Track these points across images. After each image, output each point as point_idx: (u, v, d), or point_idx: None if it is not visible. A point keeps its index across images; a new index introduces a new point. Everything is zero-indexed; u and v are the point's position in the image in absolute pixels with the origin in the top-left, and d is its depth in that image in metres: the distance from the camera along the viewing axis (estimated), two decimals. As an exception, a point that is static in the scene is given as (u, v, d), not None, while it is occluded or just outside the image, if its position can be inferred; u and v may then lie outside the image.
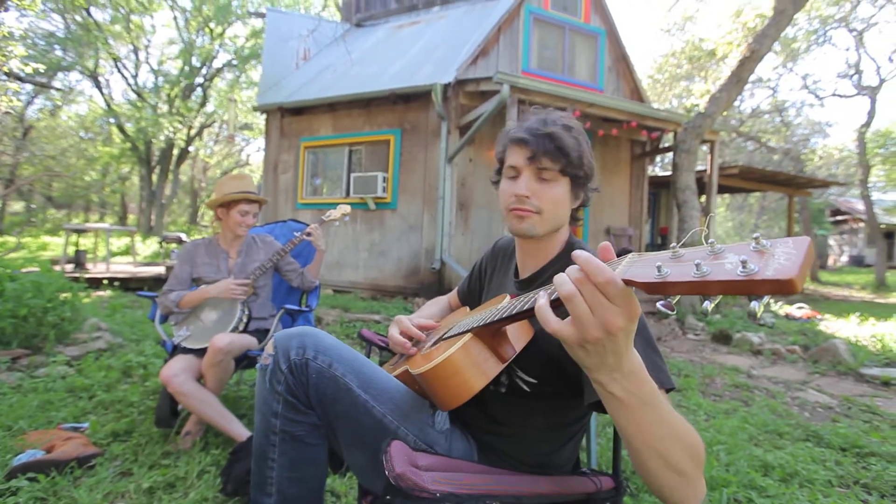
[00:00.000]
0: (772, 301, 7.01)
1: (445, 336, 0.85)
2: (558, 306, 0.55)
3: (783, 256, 0.39)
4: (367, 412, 0.80)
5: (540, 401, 0.87)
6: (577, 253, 0.50)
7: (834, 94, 15.49)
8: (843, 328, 4.93)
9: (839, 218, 21.91)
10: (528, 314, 0.64)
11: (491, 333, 0.74)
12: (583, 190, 0.92)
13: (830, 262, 22.08)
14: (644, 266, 0.48)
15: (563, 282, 0.51)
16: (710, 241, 0.45)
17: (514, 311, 0.66)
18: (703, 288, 0.41)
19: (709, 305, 0.42)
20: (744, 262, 0.39)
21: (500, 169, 0.95)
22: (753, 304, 0.39)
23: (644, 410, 0.57)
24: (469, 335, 0.73)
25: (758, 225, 22.17)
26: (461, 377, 0.71)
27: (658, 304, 0.46)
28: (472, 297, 1.15)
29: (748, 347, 4.05)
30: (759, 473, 1.71)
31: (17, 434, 1.78)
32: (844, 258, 22.87)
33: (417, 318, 1.01)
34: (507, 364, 0.75)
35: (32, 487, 1.41)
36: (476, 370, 0.72)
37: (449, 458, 0.80)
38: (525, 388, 0.86)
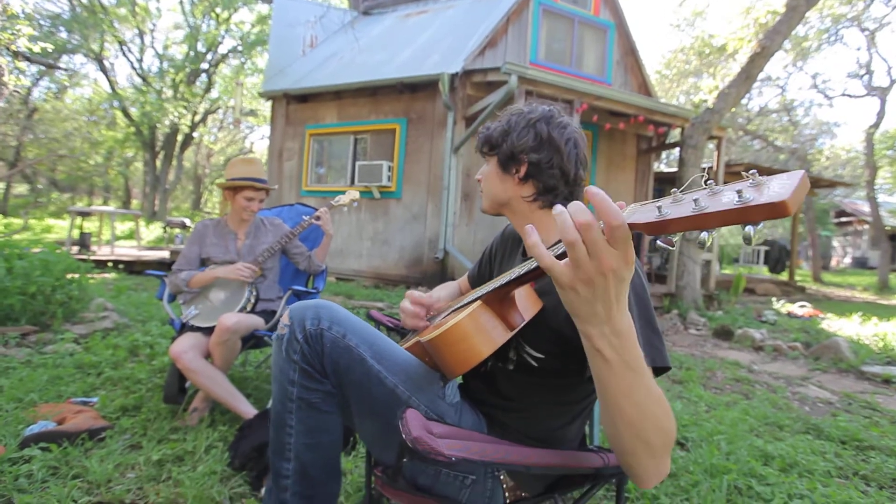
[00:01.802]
0: (774, 300, 7.01)
1: (455, 308, 0.87)
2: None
3: (778, 186, 0.41)
4: (380, 382, 0.82)
5: (547, 377, 0.88)
6: (592, 190, 0.50)
7: (843, 94, 15.33)
8: (846, 327, 4.93)
9: (844, 219, 21.81)
10: (535, 274, 0.65)
11: (499, 300, 0.76)
12: (512, 163, 0.95)
13: (833, 263, 22.02)
14: (646, 211, 0.50)
15: (565, 219, 0.51)
16: (708, 182, 0.46)
17: (521, 273, 0.68)
18: (702, 221, 0.43)
19: (706, 236, 0.44)
20: (739, 193, 0.41)
21: None
22: (748, 229, 0.41)
23: (627, 375, 0.59)
24: (478, 303, 0.75)
25: (763, 224, 22.03)
26: (469, 343, 0.72)
27: (657, 241, 0.48)
28: (482, 280, 1.16)
29: (749, 343, 4.06)
30: (760, 463, 1.73)
31: (28, 406, 1.81)
32: (847, 260, 22.80)
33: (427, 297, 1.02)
34: (515, 332, 0.76)
35: (45, 457, 1.44)
36: (484, 336, 0.73)
37: (460, 428, 0.82)
38: (533, 363, 0.87)
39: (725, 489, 1.51)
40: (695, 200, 0.44)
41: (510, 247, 1.08)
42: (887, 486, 1.66)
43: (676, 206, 0.47)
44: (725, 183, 0.46)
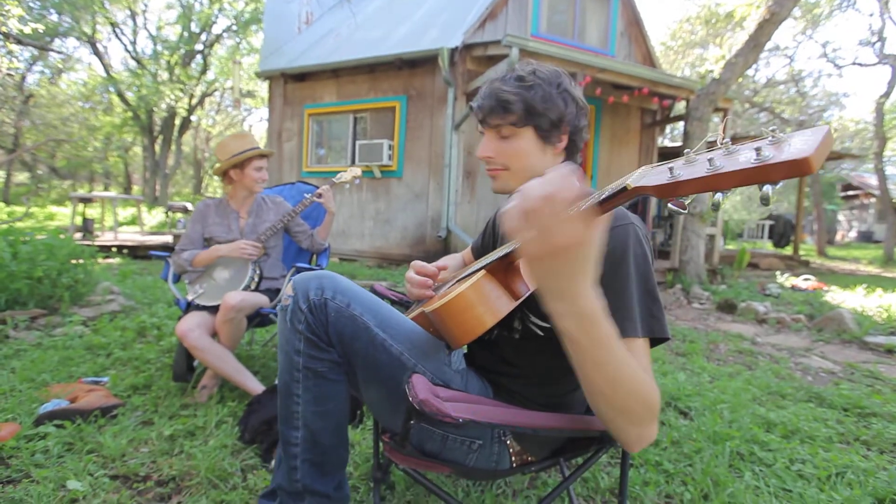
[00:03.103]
0: (778, 273, 7.00)
1: (459, 278, 0.86)
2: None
3: (800, 142, 0.39)
4: (385, 350, 0.82)
5: (553, 345, 0.88)
6: (550, 175, 0.53)
7: (854, 63, 14.89)
8: (850, 299, 4.93)
9: (850, 193, 21.56)
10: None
11: (504, 269, 0.75)
12: (556, 132, 0.89)
13: (838, 237, 21.88)
14: (656, 174, 0.49)
15: (527, 192, 0.53)
16: (724, 141, 0.45)
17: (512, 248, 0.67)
18: (717, 182, 0.41)
19: (721, 198, 0.43)
20: (758, 150, 0.39)
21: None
22: (766, 188, 0.39)
23: (596, 353, 0.61)
24: (482, 272, 0.74)
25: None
26: (473, 312, 0.72)
27: (669, 204, 0.47)
28: (486, 251, 1.15)
29: (753, 316, 4.07)
30: (762, 430, 1.75)
31: (40, 386, 1.84)
32: (853, 234, 22.65)
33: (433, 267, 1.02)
34: (519, 301, 0.75)
35: (60, 433, 1.47)
36: (488, 306, 0.73)
37: (467, 393, 0.83)
38: (538, 332, 0.87)
39: (728, 455, 1.54)
40: (709, 160, 0.43)
41: None
42: (888, 451, 1.69)
43: (689, 167, 0.45)
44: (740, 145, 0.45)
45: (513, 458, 0.88)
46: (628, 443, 0.69)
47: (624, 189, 0.51)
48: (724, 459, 1.51)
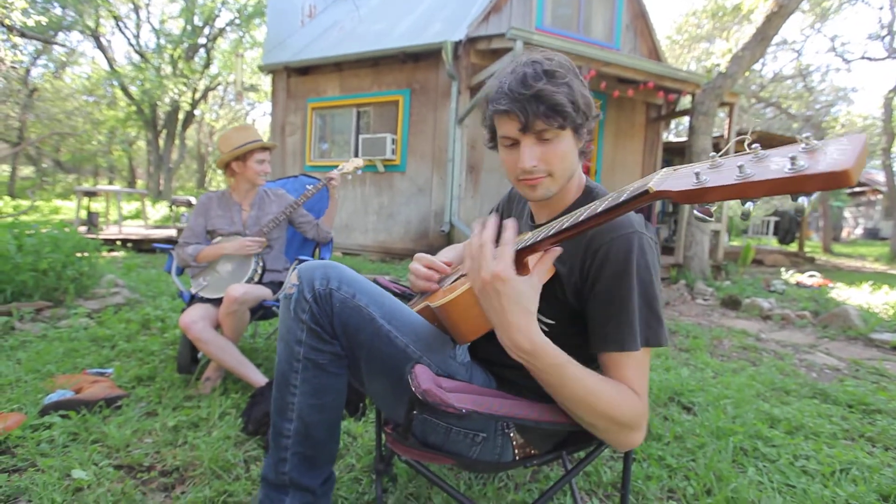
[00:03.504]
0: (783, 270, 6.95)
1: (464, 273, 0.85)
2: (523, 256, 0.68)
3: (836, 152, 0.37)
4: (390, 342, 0.82)
5: (557, 340, 0.87)
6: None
7: (863, 57, 14.70)
8: (855, 296, 4.89)
9: (856, 189, 21.33)
10: (548, 242, 0.64)
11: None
12: (586, 127, 0.84)
13: (844, 234, 21.71)
14: (679, 177, 0.47)
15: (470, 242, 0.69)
16: (753, 146, 0.43)
17: (536, 240, 0.66)
18: (747, 190, 0.40)
19: (751, 207, 0.41)
20: (793, 159, 0.38)
21: (493, 136, 0.87)
22: (802, 200, 0.38)
23: (550, 377, 0.70)
24: None
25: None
26: (480, 309, 0.71)
27: (695, 211, 0.45)
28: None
29: (757, 312, 4.05)
30: (766, 425, 1.74)
31: (46, 377, 1.86)
32: (859, 230, 22.46)
33: (438, 260, 1.01)
34: None
35: (65, 423, 1.48)
36: None
37: (471, 384, 0.82)
38: (543, 328, 0.86)
39: (731, 450, 1.53)
40: (739, 167, 0.40)
41: (517, 207, 1.06)
42: (893, 447, 1.67)
43: (716, 172, 0.43)
44: (740, 150, 0.43)
45: (516, 451, 0.88)
46: (612, 444, 0.78)
47: (645, 192, 0.50)
48: (728, 455, 1.50)
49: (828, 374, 2.56)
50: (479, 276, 0.66)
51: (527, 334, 0.66)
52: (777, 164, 0.39)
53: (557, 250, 0.68)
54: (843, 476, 1.43)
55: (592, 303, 0.79)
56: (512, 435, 0.87)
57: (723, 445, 1.55)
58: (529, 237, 0.70)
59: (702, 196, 0.43)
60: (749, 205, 0.41)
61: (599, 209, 0.57)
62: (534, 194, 0.84)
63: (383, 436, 1.00)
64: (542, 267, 0.67)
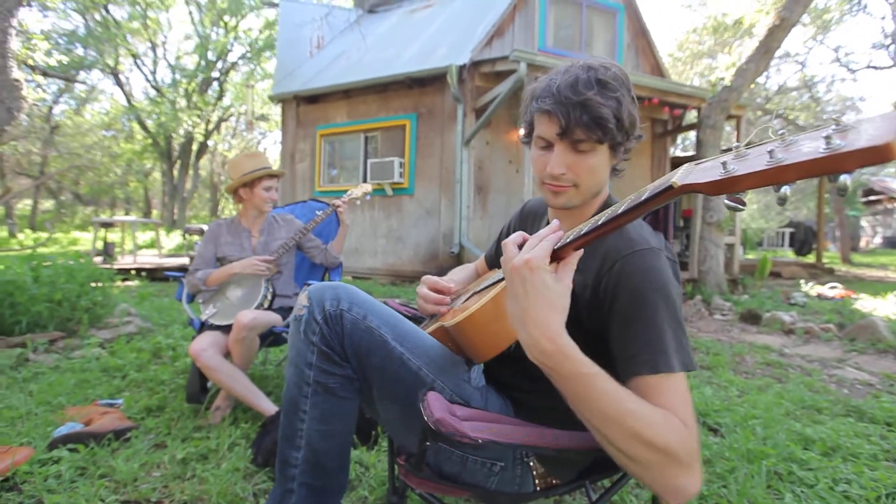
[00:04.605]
0: (802, 282, 6.77)
1: (477, 290, 0.83)
2: (558, 257, 0.62)
3: (872, 129, 0.36)
4: (403, 364, 0.79)
5: None
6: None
7: (868, 67, 14.66)
8: (881, 307, 4.72)
9: (872, 198, 20.98)
10: (567, 250, 0.61)
11: None
12: (624, 146, 0.81)
13: (863, 244, 21.23)
14: (704, 170, 0.46)
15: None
16: (780, 132, 0.42)
17: (560, 244, 0.63)
18: (781, 174, 0.39)
19: (787, 191, 0.40)
20: (827, 139, 0.37)
21: (530, 133, 0.84)
22: (844, 178, 0.37)
23: (571, 386, 0.61)
24: (503, 283, 0.70)
25: (785, 207, 21.44)
26: (498, 325, 0.68)
27: (725, 200, 0.44)
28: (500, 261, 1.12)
29: (779, 326, 3.92)
30: (799, 447, 1.64)
31: (56, 409, 1.84)
32: (878, 240, 21.96)
33: (445, 281, 0.99)
34: None
35: (73, 457, 1.45)
36: None
37: (486, 411, 0.78)
38: None
39: (765, 475, 1.44)
40: (769, 152, 0.40)
41: (532, 223, 1.03)
42: (940, 469, 1.57)
43: (743, 161, 0.42)
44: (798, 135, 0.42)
45: (536, 481, 0.83)
46: (659, 494, 0.61)
47: (669, 188, 0.48)
48: (762, 479, 1.42)
49: (860, 390, 2.44)
50: (509, 265, 0.61)
51: (548, 331, 0.58)
52: (810, 146, 0.38)
53: (580, 252, 0.62)
54: (890, 501, 1.33)
55: (614, 324, 0.72)
56: (532, 464, 0.82)
57: (755, 469, 1.47)
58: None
59: (733, 185, 0.42)
60: (785, 189, 0.40)
61: (620, 210, 0.54)
62: (555, 201, 0.82)
63: (396, 467, 0.95)
64: (569, 268, 0.61)
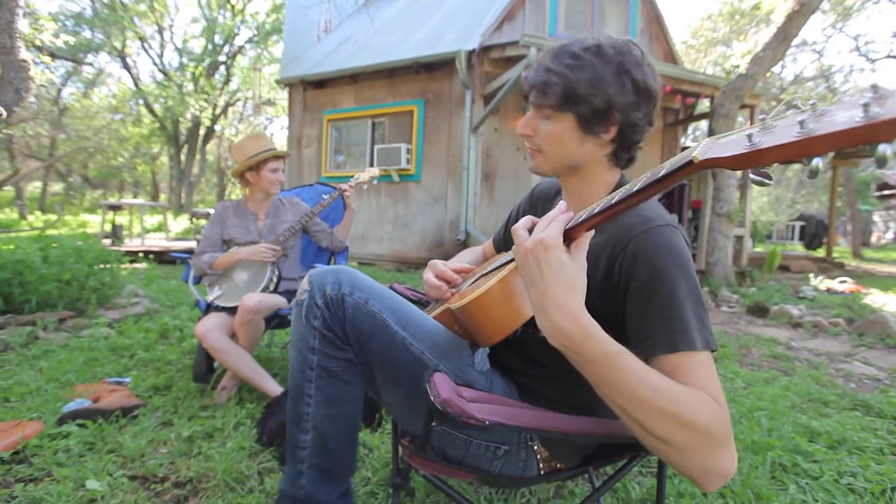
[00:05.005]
0: (812, 276, 6.70)
1: (484, 273, 0.81)
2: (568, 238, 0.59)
3: None
4: (405, 349, 0.78)
5: None
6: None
7: (889, 56, 14.25)
8: (892, 302, 4.67)
9: (886, 192, 20.58)
10: (579, 230, 0.59)
11: None
12: (601, 122, 0.76)
13: (874, 239, 20.94)
14: (727, 143, 0.43)
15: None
16: (811, 102, 0.40)
17: (572, 224, 0.62)
18: (813, 145, 0.37)
19: (819, 163, 0.38)
20: (865, 107, 0.35)
21: None
22: (883, 147, 0.35)
23: (596, 370, 0.58)
24: (512, 265, 0.69)
25: (795, 200, 21.13)
26: (506, 307, 0.67)
27: (751, 175, 0.42)
28: (509, 244, 1.10)
29: (786, 320, 3.88)
30: (805, 439, 1.63)
31: (65, 386, 1.87)
32: (890, 235, 21.65)
33: (453, 264, 0.98)
34: None
35: (82, 432, 1.47)
36: (521, 300, 0.68)
37: (492, 394, 0.77)
38: None
39: (769, 466, 1.44)
40: (800, 122, 0.38)
41: (541, 207, 1.01)
42: (948, 464, 1.55)
43: (770, 133, 0.40)
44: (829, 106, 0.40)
45: (540, 465, 0.82)
46: (696, 479, 0.58)
47: (689, 163, 0.45)
48: (766, 471, 1.41)
49: (867, 385, 2.42)
50: (522, 248, 0.58)
51: (570, 312, 0.55)
52: (845, 115, 0.36)
53: (591, 233, 0.60)
54: (895, 495, 1.32)
55: (630, 305, 0.69)
56: (536, 448, 0.82)
57: (760, 461, 1.46)
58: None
59: (759, 158, 0.40)
60: (817, 161, 0.38)
61: (636, 187, 0.52)
62: (531, 165, 0.86)
63: (400, 448, 0.95)
64: (581, 248, 0.59)
